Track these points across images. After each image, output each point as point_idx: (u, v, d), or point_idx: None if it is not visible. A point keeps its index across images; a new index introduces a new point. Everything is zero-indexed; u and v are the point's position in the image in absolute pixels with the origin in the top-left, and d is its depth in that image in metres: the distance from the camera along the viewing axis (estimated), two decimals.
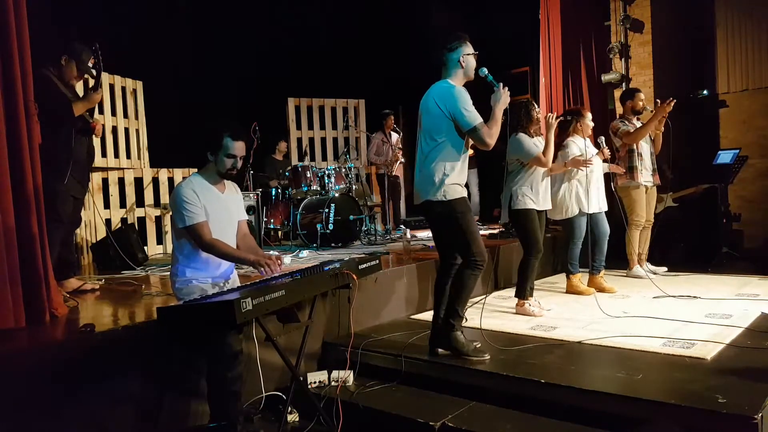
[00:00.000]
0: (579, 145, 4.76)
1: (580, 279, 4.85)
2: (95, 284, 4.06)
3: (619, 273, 5.49)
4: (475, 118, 3.11)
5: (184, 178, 6.41)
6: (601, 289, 4.80)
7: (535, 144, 4.21)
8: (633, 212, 5.33)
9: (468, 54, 3.23)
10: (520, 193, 4.17)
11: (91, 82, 4.01)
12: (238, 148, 2.94)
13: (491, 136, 3.11)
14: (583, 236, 4.81)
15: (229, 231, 3.03)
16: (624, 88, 7.41)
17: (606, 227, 4.91)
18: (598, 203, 4.80)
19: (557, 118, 4.26)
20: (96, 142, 5.98)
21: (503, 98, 3.17)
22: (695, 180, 6.58)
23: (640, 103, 5.37)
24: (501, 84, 3.20)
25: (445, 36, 3.26)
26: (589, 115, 4.90)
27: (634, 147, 5.27)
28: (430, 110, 3.18)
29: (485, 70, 3.25)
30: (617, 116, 5.59)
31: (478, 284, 3.32)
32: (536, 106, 4.33)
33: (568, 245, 4.85)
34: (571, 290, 4.84)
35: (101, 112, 6.12)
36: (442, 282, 3.33)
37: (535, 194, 4.20)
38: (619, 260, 5.44)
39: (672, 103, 5.08)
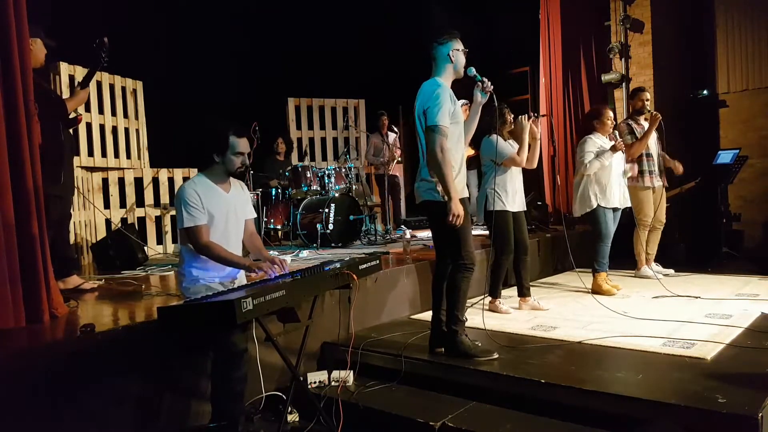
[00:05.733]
0: (597, 141, 4.74)
1: (606, 278, 4.77)
2: (95, 284, 4.06)
3: (627, 273, 5.47)
4: (441, 118, 3.05)
5: (184, 178, 6.48)
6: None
7: (510, 144, 4.24)
8: (641, 212, 5.31)
9: (458, 50, 3.19)
10: (493, 194, 4.17)
11: (80, 77, 3.87)
12: (244, 144, 2.95)
13: (444, 149, 3.03)
14: (612, 234, 4.74)
15: (233, 230, 3.02)
16: (624, 88, 7.42)
17: (613, 228, 4.84)
18: (617, 199, 4.76)
19: (529, 118, 4.27)
20: (96, 142, 6.03)
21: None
22: (694, 180, 6.59)
23: (639, 103, 5.36)
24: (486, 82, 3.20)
25: (435, 31, 3.23)
26: (609, 113, 4.84)
27: (647, 150, 5.26)
28: (418, 111, 3.17)
29: (473, 70, 3.22)
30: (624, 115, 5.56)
31: (477, 285, 3.32)
32: (508, 109, 4.30)
33: (595, 243, 4.76)
34: (595, 289, 4.72)
35: (101, 112, 6.13)
36: (439, 283, 3.33)
37: (509, 195, 4.21)
38: (626, 260, 5.43)
39: (657, 116, 5.08)
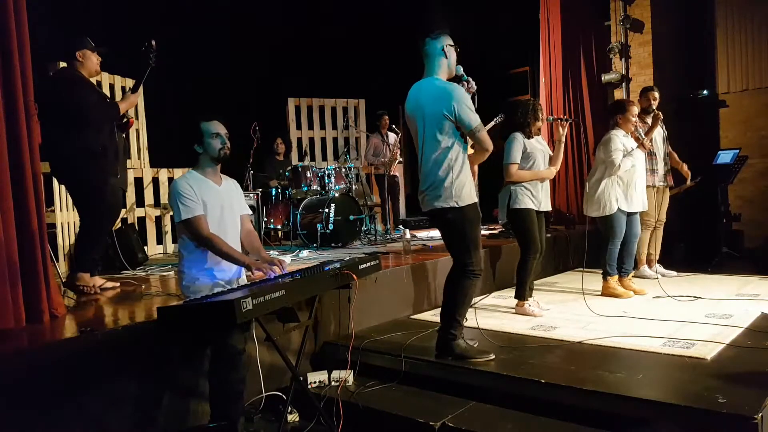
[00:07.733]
0: (622, 139, 4.58)
1: (617, 281, 4.68)
2: (116, 284, 4.08)
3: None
4: (476, 118, 3.06)
5: None
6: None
7: (538, 141, 4.22)
8: (643, 212, 5.28)
9: (450, 45, 3.14)
10: (519, 192, 4.16)
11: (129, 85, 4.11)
12: (216, 125, 2.97)
13: (488, 140, 3.11)
14: (623, 236, 4.61)
15: (228, 223, 3.01)
16: (624, 88, 7.42)
17: (638, 229, 4.74)
18: (640, 202, 4.65)
19: (556, 119, 4.25)
20: None
21: None
22: (693, 181, 6.58)
23: (646, 102, 5.32)
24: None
25: (424, 27, 3.19)
26: (635, 110, 4.69)
27: (652, 149, 5.19)
28: (428, 113, 3.08)
29: (461, 69, 3.19)
30: None
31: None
32: (541, 107, 4.30)
33: (607, 245, 4.62)
34: (607, 293, 4.63)
35: None
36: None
37: (535, 194, 4.17)
38: None
39: (658, 115, 5.06)
